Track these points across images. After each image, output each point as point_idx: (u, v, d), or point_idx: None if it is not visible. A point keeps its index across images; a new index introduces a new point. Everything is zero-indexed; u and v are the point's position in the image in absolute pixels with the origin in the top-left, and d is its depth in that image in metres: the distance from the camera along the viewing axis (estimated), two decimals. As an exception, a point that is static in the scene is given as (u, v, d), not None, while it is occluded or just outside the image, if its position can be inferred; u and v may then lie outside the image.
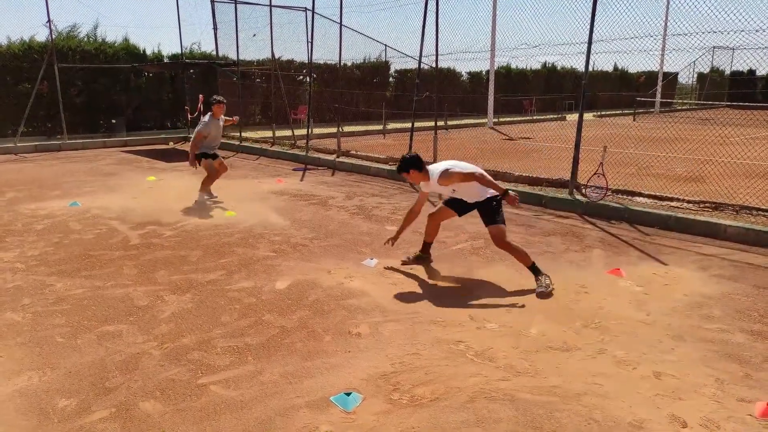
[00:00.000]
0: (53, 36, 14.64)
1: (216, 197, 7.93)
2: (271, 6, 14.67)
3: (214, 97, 7.80)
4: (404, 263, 5.13)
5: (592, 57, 7.76)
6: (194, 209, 7.38)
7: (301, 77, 20.68)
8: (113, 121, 16.52)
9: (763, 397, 2.94)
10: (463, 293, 4.46)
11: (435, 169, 4.66)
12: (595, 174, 7.41)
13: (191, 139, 7.78)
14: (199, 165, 7.78)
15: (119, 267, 5.06)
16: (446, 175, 4.52)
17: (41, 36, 15.94)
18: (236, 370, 3.25)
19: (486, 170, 9.23)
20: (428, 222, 5.06)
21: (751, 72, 30.05)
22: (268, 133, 15.17)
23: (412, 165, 4.65)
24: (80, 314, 4.02)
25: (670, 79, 28.98)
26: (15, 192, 8.53)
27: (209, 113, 7.65)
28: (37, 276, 4.81)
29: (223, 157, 12.92)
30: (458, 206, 4.89)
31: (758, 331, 3.76)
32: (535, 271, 4.55)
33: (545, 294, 4.37)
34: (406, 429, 2.70)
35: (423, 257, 5.16)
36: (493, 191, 4.59)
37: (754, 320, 3.94)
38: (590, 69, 7.93)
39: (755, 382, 3.11)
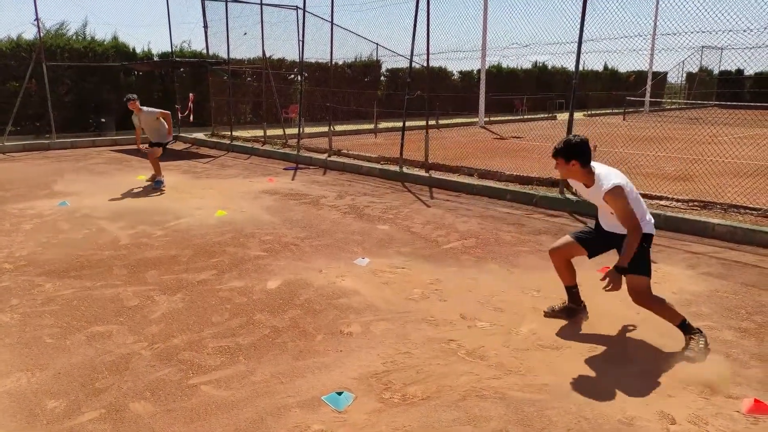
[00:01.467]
0: (41, 34, 14.51)
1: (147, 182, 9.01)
2: (261, 4, 14.63)
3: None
4: (547, 315, 4.01)
5: (582, 56, 7.81)
6: (185, 209, 7.35)
7: (293, 76, 20.62)
8: (102, 120, 16.39)
9: (750, 394, 2.97)
10: (454, 292, 4.47)
11: (605, 174, 3.48)
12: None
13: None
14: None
15: (109, 267, 5.03)
16: (615, 194, 3.36)
17: (29, 34, 15.89)
18: (227, 370, 3.24)
19: (477, 169, 9.38)
20: (554, 262, 3.95)
21: (740, 72, 30.33)
22: (259, 132, 15.12)
23: (577, 154, 3.44)
24: (69, 315, 3.99)
25: (660, 78, 29.20)
26: (3, 191, 8.44)
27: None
28: (26, 276, 4.77)
29: (214, 157, 12.91)
30: (594, 241, 3.78)
31: (746, 329, 3.80)
32: (685, 329, 3.47)
33: (692, 359, 3.32)
34: (397, 428, 2.71)
35: (573, 308, 3.96)
36: (650, 226, 3.55)
37: (742, 317, 3.98)
38: (580, 68, 7.97)
39: (743, 379, 3.14)
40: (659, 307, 3.52)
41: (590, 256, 3.86)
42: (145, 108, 8.85)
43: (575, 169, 3.50)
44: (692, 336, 3.42)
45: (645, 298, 3.49)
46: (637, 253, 3.37)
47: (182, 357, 3.40)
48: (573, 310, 3.96)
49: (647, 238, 3.49)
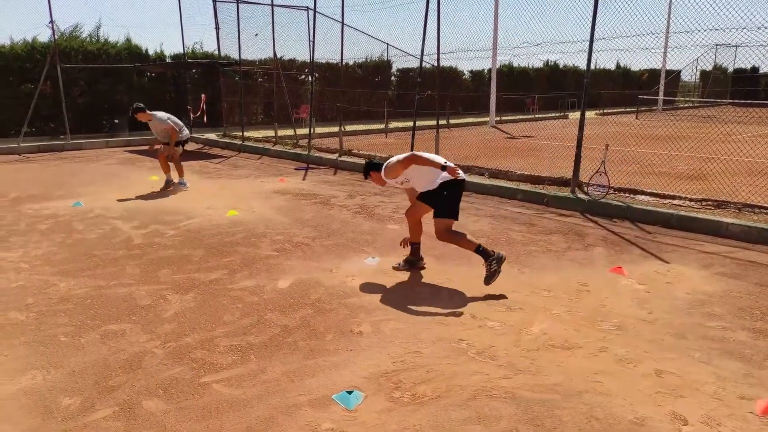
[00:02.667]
0: (56, 36, 14.69)
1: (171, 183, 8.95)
2: (272, 5, 14.69)
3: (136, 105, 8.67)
4: (395, 269, 4.95)
5: (594, 55, 7.76)
6: (197, 209, 7.41)
7: (303, 76, 20.69)
8: (116, 121, 16.56)
9: (764, 395, 2.94)
10: (464, 291, 4.47)
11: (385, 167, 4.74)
12: (597, 172, 7.40)
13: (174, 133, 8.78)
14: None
15: (122, 266, 5.08)
16: (388, 169, 4.63)
17: (44, 36, 16.12)
18: (239, 369, 3.27)
19: (488, 169, 9.34)
20: (407, 221, 4.95)
21: (755, 69, 29.96)
22: (271, 133, 15.19)
23: (370, 168, 4.85)
24: (84, 313, 4.05)
25: (673, 76, 28.92)
26: (18, 192, 8.56)
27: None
28: (41, 276, 4.84)
29: (225, 157, 13.00)
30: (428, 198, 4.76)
31: (760, 329, 3.76)
32: (483, 254, 4.44)
33: (489, 279, 4.39)
34: (407, 427, 2.71)
35: (413, 261, 4.98)
36: (445, 175, 4.50)
37: (756, 318, 3.94)
38: (592, 67, 7.92)
39: (756, 380, 3.11)
40: (458, 239, 4.54)
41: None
42: (156, 115, 8.60)
43: (375, 176, 4.81)
44: (488, 261, 4.38)
45: (446, 236, 4.56)
46: (439, 197, 4.53)
47: (194, 356, 3.43)
48: (414, 262, 4.96)
49: (447, 184, 4.51)
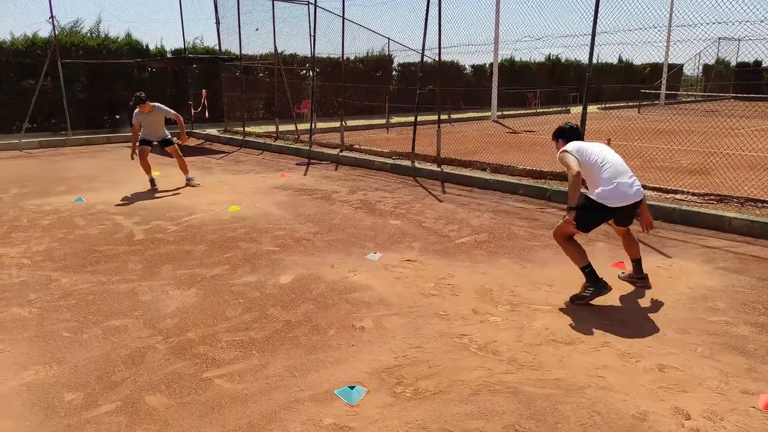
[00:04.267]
0: (56, 32, 14.66)
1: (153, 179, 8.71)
2: (273, 0, 14.64)
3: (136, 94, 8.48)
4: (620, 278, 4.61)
5: (596, 49, 7.72)
6: (199, 205, 7.41)
7: (304, 71, 20.64)
8: (117, 116, 16.56)
9: (767, 390, 2.94)
10: (466, 287, 4.46)
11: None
12: (599, 167, 7.37)
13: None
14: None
15: (124, 262, 5.09)
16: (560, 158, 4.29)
17: (44, 32, 16.03)
18: (241, 364, 3.27)
19: (490, 164, 9.32)
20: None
21: (757, 63, 29.82)
22: (272, 128, 15.18)
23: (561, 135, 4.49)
24: (86, 309, 4.05)
25: (676, 70, 28.82)
26: (20, 188, 8.56)
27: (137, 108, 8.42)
28: (43, 271, 4.84)
29: (227, 153, 12.98)
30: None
31: (763, 324, 3.75)
32: (590, 276, 4.07)
33: (575, 299, 4.11)
34: (409, 422, 2.71)
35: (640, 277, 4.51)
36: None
37: (759, 313, 3.93)
38: (594, 61, 7.89)
39: (759, 375, 3.11)
40: (570, 249, 4.16)
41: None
42: (157, 105, 8.53)
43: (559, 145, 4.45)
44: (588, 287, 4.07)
45: (559, 238, 4.20)
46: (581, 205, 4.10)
47: (196, 351, 3.43)
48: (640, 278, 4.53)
49: (592, 201, 4.11)
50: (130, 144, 8.75)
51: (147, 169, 8.62)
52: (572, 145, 4.28)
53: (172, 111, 8.76)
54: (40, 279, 4.66)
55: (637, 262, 4.47)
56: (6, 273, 4.80)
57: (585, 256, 4.08)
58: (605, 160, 4.15)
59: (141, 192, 8.25)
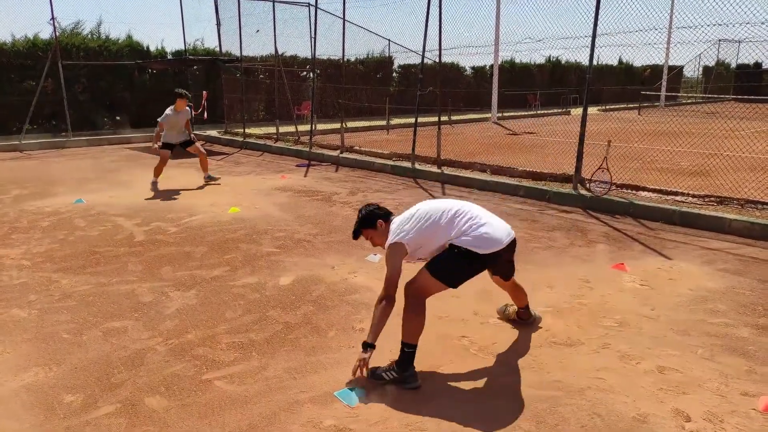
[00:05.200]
0: (57, 33, 14.68)
1: (156, 182, 8.78)
2: (273, 1, 14.66)
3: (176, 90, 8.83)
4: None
5: (596, 50, 7.73)
6: (199, 206, 7.41)
7: (305, 73, 20.66)
8: (117, 118, 16.57)
9: (767, 392, 2.94)
10: (467, 289, 4.45)
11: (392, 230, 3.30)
12: (599, 168, 7.38)
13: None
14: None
15: (124, 263, 5.09)
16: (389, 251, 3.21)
17: (45, 33, 16.09)
18: (241, 366, 3.27)
19: (490, 165, 9.31)
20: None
21: (758, 65, 29.82)
22: (272, 129, 15.18)
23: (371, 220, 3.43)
24: (86, 310, 4.05)
25: (676, 72, 28.83)
26: (20, 189, 8.57)
27: (171, 106, 8.67)
28: (43, 273, 4.84)
29: (227, 154, 12.98)
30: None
31: (763, 326, 3.75)
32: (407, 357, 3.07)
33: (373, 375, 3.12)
34: (409, 424, 2.71)
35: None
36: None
37: (759, 314, 3.93)
38: (595, 63, 7.89)
39: (759, 377, 3.10)
40: (414, 317, 3.07)
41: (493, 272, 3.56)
42: (187, 107, 8.92)
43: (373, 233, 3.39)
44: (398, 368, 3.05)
45: (412, 296, 3.09)
46: (448, 256, 3.09)
47: (196, 352, 3.43)
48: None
49: (466, 254, 3.03)
50: (153, 137, 8.89)
51: (158, 172, 8.78)
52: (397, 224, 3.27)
53: (192, 114, 9.17)
54: (40, 280, 4.66)
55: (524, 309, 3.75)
56: (6, 274, 4.80)
57: (420, 333, 3.09)
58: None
59: (141, 193, 8.25)
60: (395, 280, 3.10)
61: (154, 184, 8.70)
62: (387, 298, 3.07)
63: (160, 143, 8.73)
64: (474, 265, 3.12)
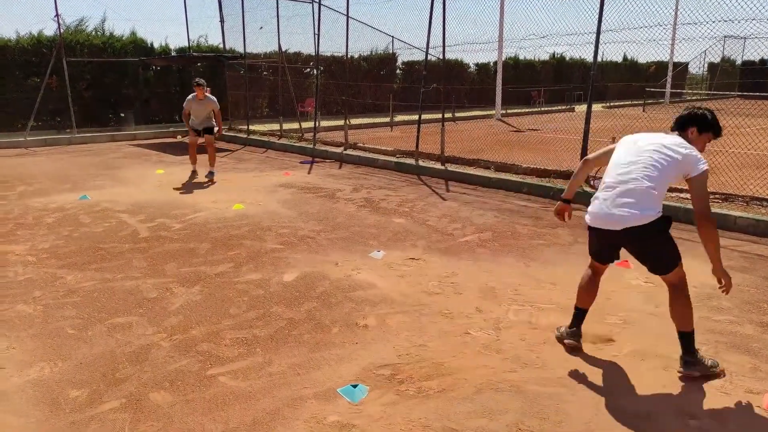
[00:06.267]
0: (61, 30, 14.70)
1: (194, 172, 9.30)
2: (277, -2, 14.63)
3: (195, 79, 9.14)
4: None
5: (601, 47, 7.70)
6: (203, 203, 7.42)
7: (309, 70, 20.64)
8: (122, 114, 16.60)
9: (772, 389, 2.93)
10: (470, 285, 4.46)
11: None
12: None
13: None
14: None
15: (129, 259, 5.10)
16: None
17: (49, 30, 15.96)
18: (245, 362, 3.28)
19: (494, 162, 9.31)
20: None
21: (763, 61, 29.63)
22: (276, 126, 15.19)
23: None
24: (90, 306, 4.07)
25: (681, 69, 28.69)
26: (25, 186, 8.60)
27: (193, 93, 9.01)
28: (48, 269, 4.86)
29: (231, 151, 12.99)
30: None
31: (767, 323, 3.74)
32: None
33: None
34: (413, 420, 2.71)
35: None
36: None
37: (764, 312, 3.91)
38: (599, 59, 7.86)
39: (764, 374, 3.09)
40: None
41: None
42: (207, 95, 9.12)
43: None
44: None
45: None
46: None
47: (200, 348, 3.44)
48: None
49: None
50: (184, 125, 9.41)
51: (193, 159, 9.28)
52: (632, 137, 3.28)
53: (218, 105, 9.24)
54: (45, 276, 4.68)
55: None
56: (11, 270, 4.83)
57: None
58: (616, 159, 3.20)
59: (145, 190, 8.27)
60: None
61: (193, 172, 9.21)
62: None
63: (188, 128, 9.27)
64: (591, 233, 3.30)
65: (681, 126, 3.21)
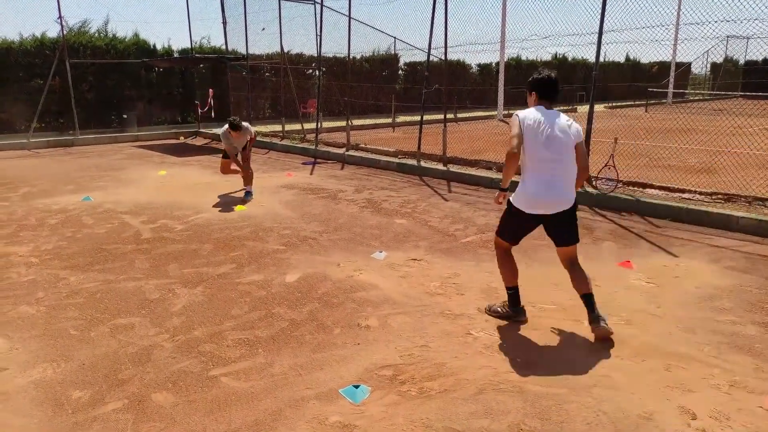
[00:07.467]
0: (64, 32, 14.75)
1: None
2: (279, -1, 14.65)
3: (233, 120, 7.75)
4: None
5: (603, 47, 7.70)
6: (205, 204, 7.43)
7: (311, 71, 20.67)
8: (124, 116, 16.64)
9: (774, 390, 2.92)
10: (472, 286, 4.46)
11: None
12: (605, 166, 7.36)
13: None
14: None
15: (131, 261, 5.11)
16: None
17: (53, 32, 16.11)
18: (247, 362, 3.29)
19: (496, 163, 9.31)
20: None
21: (766, 61, 29.55)
22: (278, 127, 15.21)
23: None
24: (93, 307, 4.08)
25: (683, 69, 28.63)
26: (29, 187, 8.63)
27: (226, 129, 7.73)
28: (51, 270, 4.88)
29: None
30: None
31: (770, 323, 3.72)
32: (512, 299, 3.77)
33: (489, 310, 3.89)
34: (414, 420, 2.72)
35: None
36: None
37: (766, 312, 3.91)
38: (601, 59, 7.86)
39: (766, 375, 3.09)
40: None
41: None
42: (244, 127, 7.86)
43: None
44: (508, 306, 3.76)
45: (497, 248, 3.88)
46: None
47: (203, 349, 3.45)
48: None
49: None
50: (232, 162, 8.11)
51: (233, 171, 8.19)
52: (527, 110, 3.54)
53: (254, 132, 8.29)
54: (48, 277, 4.69)
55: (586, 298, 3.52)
56: (14, 271, 4.84)
57: (514, 276, 3.73)
58: (536, 139, 3.39)
59: (148, 191, 8.29)
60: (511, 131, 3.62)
61: (248, 192, 7.95)
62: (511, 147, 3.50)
63: (232, 158, 7.98)
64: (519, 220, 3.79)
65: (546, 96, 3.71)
